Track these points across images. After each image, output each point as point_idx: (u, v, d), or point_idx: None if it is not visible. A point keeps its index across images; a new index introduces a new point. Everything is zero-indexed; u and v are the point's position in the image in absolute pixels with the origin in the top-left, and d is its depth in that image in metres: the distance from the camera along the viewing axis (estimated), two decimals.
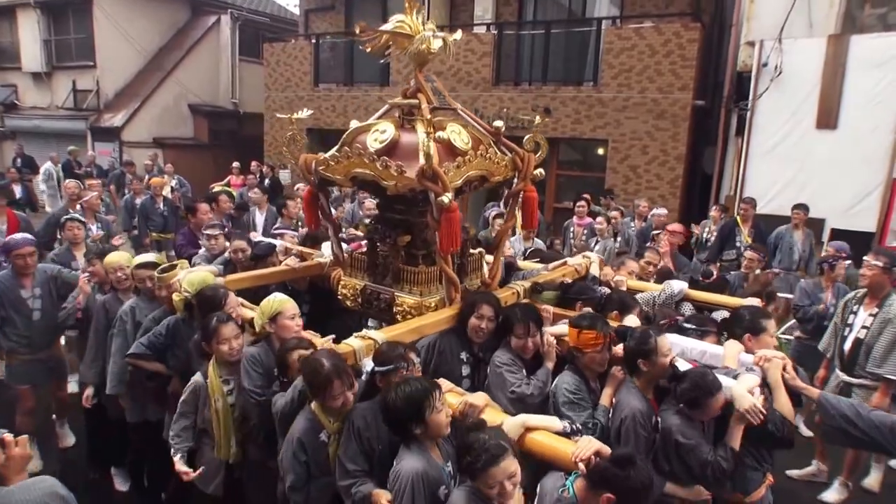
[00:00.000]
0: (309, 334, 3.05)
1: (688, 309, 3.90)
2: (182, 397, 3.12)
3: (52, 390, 4.72)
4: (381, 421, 2.47)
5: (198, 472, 3.02)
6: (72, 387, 5.44)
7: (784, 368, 2.75)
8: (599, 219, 7.34)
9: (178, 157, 14.44)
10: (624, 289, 3.97)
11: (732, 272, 5.87)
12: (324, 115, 13.06)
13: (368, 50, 3.37)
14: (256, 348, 3.07)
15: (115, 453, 4.32)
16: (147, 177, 10.78)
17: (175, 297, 3.48)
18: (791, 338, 5.81)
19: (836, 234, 8.56)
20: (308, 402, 2.65)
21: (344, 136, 3.46)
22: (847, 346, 4.34)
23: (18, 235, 4.49)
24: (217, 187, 10.45)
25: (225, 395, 3.03)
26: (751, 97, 9.19)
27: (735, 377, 2.70)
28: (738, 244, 7.18)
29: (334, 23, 14.19)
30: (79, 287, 4.28)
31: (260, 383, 2.96)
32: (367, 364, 2.73)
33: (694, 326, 3.28)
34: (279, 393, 2.80)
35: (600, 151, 10.68)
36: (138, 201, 8.60)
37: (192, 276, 3.48)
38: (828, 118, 8.66)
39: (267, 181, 11.58)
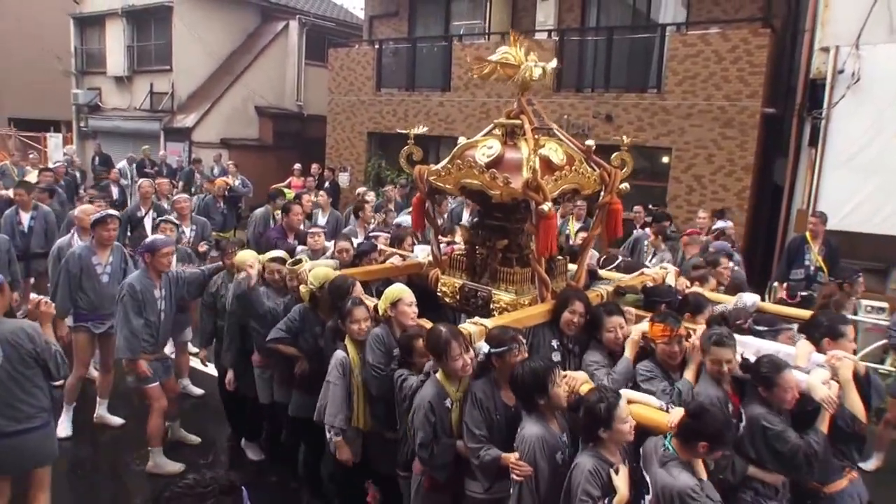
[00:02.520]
0: (425, 322, 3.48)
1: None
2: (331, 375, 3.51)
3: (168, 385, 4.74)
4: (497, 395, 2.94)
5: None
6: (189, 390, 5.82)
7: (855, 370, 2.93)
8: (648, 231, 7.17)
9: (243, 158, 14.98)
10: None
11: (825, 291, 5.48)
12: (384, 119, 13.31)
13: (476, 76, 3.92)
14: (380, 329, 3.51)
15: (250, 429, 4.88)
16: (213, 176, 11.29)
17: (302, 288, 3.97)
18: (892, 369, 5.63)
19: None
20: (434, 371, 3.10)
21: (454, 150, 3.99)
22: None
23: (160, 236, 4.79)
24: (279, 188, 10.87)
25: (362, 369, 3.47)
26: (825, 105, 8.77)
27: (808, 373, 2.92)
28: (807, 262, 6.80)
29: (397, 28, 14.44)
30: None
31: (382, 360, 3.39)
32: (482, 346, 3.07)
33: (766, 328, 3.50)
34: (411, 373, 3.23)
35: (665, 160, 10.44)
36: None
37: (316, 271, 3.96)
38: None
39: (327, 184, 11.87)
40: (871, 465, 5.13)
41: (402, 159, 4.19)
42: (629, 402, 2.77)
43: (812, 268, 6.74)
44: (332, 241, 5.32)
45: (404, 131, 4.34)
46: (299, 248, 5.40)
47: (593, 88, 10.90)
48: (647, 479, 2.57)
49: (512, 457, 2.73)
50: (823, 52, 8.87)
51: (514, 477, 2.70)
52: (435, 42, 13.20)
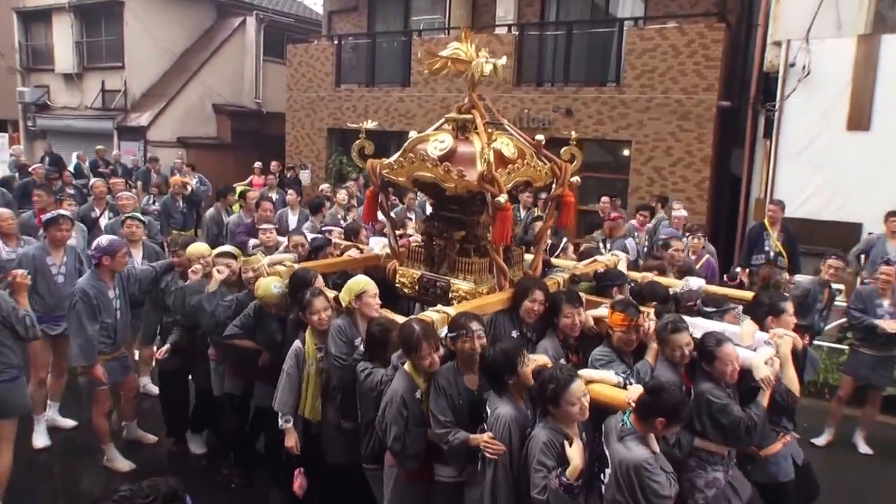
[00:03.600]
0: (388, 313, 3.58)
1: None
2: (286, 364, 3.62)
3: (126, 385, 4.76)
4: (460, 381, 3.06)
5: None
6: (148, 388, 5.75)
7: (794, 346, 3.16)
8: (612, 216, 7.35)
9: (201, 157, 14.64)
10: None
11: (808, 279, 5.65)
12: (344, 116, 13.12)
13: (427, 71, 3.94)
14: (342, 320, 3.56)
15: (194, 421, 4.88)
16: (174, 175, 10.96)
17: (276, 294, 3.91)
18: (845, 347, 5.81)
19: None
20: (402, 363, 3.18)
21: (405, 144, 4.05)
22: None
23: (114, 237, 4.64)
24: (239, 187, 10.61)
25: (318, 360, 3.57)
26: (778, 98, 9.00)
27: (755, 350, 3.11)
28: (766, 248, 6.97)
29: (357, 24, 14.25)
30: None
31: (345, 350, 3.46)
32: (444, 332, 3.17)
33: (714, 309, 3.71)
34: (375, 367, 3.28)
35: (625, 153, 10.54)
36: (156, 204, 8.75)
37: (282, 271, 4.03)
38: (859, 120, 8.44)
39: (286, 184, 11.63)
40: (823, 439, 5.30)
41: (354, 153, 4.23)
42: (589, 381, 2.85)
43: (772, 253, 6.90)
44: (286, 237, 5.34)
45: (355, 125, 4.38)
46: (251, 242, 5.39)
47: (553, 83, 10.95)
48: (607, 453, 2.67)
49: (485, 436, 2.82)
50: (776, 46, 9.10)
51: (488, 455, 2.79)
52: (394, 37, 13.08)
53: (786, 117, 8.96)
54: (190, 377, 4.76)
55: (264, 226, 5.62)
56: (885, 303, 5.04)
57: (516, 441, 2.80)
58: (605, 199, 8.76)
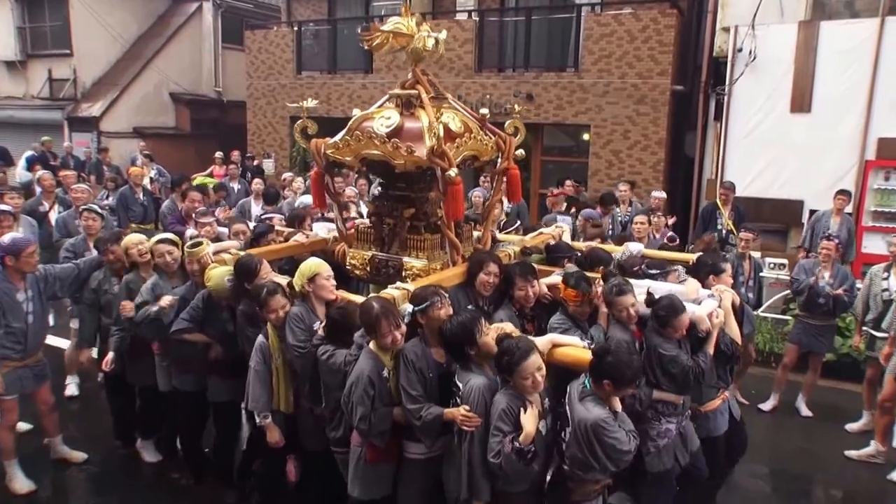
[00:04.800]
0: (345, 293, 3.55)
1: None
2: (252, 360, 3.51)
3: (39, 397, 4.38)
4: (428, 354, 3.02)
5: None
6: (70, 390, 5.54)
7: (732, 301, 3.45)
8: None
9: (159, 147, 14.24)
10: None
11: (728, 255, 5.99)
12: None
13: (367, 47, 3.85)
14: (298, 308, 3.45)
15: (142, 426, 4.64)
16: (135, 165, 10.64)
17: (228, 287, 3.73)
18: (790, 318, 6.17)
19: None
20: (367, 342, 3.10)
21: (350, 122, 3.93)
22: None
23: (20, 235, 4.40)
24: (199, 177, 10.46)
25: (283, 352, 3.44)
26: (727, 82, 9.40)
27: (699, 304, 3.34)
28: (719, 226, 7.41)
29: (317, 9, 14.11)
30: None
31: (302, 339, 3.34)
32: (406, 308, 3.13)
33: (657, 271, 3.96)
34: (336, 349, 3.20)
35: (585, 137, 10.84)
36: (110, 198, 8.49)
37: (219, 271, 3.79)
38: (801, 102, 8.89)
39: (248, 174, 11.50)
40: (769, 405, 5.68)
41: (296, 134, 4.11)
42: (556, 345, 2.96)
43: (724, 231, 7.36)
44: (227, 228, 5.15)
45: (295, 104, 4.21)
46: (189, 232, 5.24)
47: (514, 68, 11.13)
48: (569, 414, 2.76)
49: (462, 409, 2.80)
50: (725, 31, 9.47)
51: (465, 428, 2.78)
52: (356, 23, 13.00)
53: (734, 101, 9.38)
54: (131, 375, 4.41)
55: (202, 220, 5.35)
56: (826, 275, 5.41)
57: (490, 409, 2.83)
58: (568, 182, 9.03)
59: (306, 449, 3.63)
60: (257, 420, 3.54)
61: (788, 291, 6.23)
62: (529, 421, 2.67)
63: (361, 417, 2.95)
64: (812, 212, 8.76)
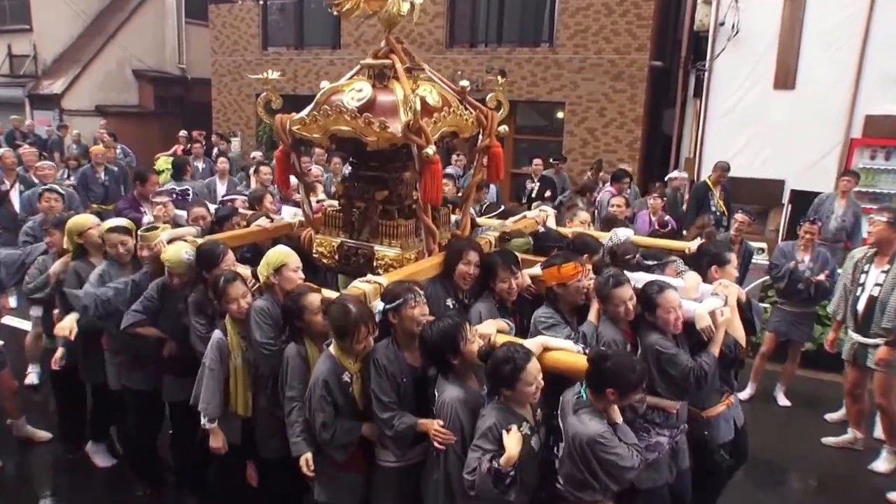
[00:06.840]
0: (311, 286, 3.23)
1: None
2: (207, 358, 3.16)
3: (2, 383, 4.24)
4: (401, 357, 2.78)
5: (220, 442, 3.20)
6: (31, 378, 5.25)
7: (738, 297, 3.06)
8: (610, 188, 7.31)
9: (122, 126, 13.73)
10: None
11: (720, 236, 5.65)
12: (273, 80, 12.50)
13: (335, 13, 3.54)
14: (263, 301, 3.16)
15: (94, 428, 4.32)
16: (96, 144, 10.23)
17: (185, 262, 3.41)
18: (767, 306, 5.86)
19: (796, 195, 8.56)
20: (326, 345, 2.87)
21: (317, 96, 3.60)
22: (861, 306, 4.42)
23: None
24: (162, 157, 9.98)
25: (244, 350, 3.15)
26: (708, 58, 8.99)
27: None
28: (713, 208, 7.08)
29: None
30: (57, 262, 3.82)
31: (271, 335, 3.08)
32: (378, 305, 2.85)
33: (654, 262, 3.53)
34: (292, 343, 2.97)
35: (559, 115, 10.42)
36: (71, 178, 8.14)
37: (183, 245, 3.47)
38: (785, 78, 8.55)
39: (216, 150, 11.04)
40: (746, 394, 5.40)
41: (259, 108, 3.80)
42: (548, 349, 2.67)
43: (718, 212, 7.05)
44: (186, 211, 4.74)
45: (256, 76, 4.00)
46: (145, 219, 4.82)
47: (486, 44, 10.70)
48: (562, 427, 2.53)
49: (435, 423, 2.58)
50: (706, 4, 9.04)
51: (437, 445, 2.57)
52: None
53: (715, 76, 9.00)
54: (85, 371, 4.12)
55: (157, 199, 4.94)
56: (806, 258, 5.10)
57: (467, 424, 2.57)
58: (537, 160, 8.57)
59: (262, 457, 3.31)
60: (202, 423, 3.19)
61: (767, 277, 5.87)
62: (513, 443, 2.41)
63: (323, 424, 2.75)
64: (794, 192, 8.43)
